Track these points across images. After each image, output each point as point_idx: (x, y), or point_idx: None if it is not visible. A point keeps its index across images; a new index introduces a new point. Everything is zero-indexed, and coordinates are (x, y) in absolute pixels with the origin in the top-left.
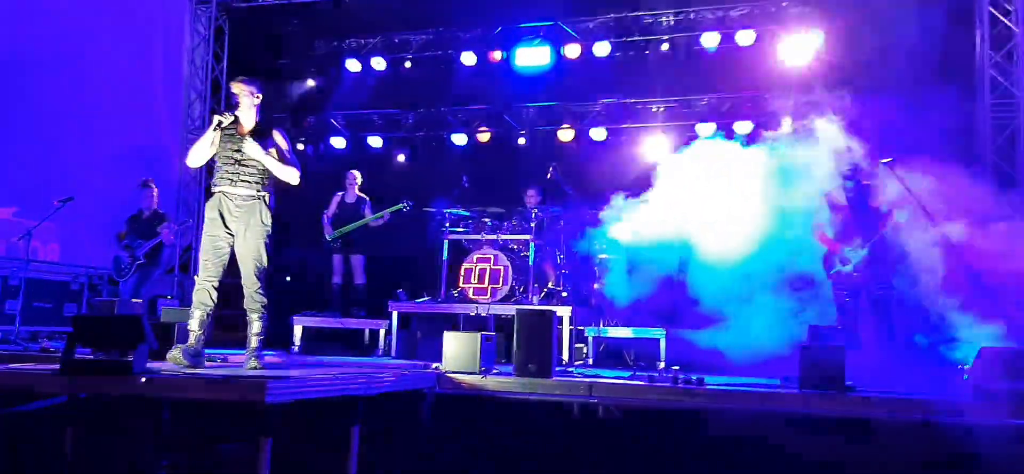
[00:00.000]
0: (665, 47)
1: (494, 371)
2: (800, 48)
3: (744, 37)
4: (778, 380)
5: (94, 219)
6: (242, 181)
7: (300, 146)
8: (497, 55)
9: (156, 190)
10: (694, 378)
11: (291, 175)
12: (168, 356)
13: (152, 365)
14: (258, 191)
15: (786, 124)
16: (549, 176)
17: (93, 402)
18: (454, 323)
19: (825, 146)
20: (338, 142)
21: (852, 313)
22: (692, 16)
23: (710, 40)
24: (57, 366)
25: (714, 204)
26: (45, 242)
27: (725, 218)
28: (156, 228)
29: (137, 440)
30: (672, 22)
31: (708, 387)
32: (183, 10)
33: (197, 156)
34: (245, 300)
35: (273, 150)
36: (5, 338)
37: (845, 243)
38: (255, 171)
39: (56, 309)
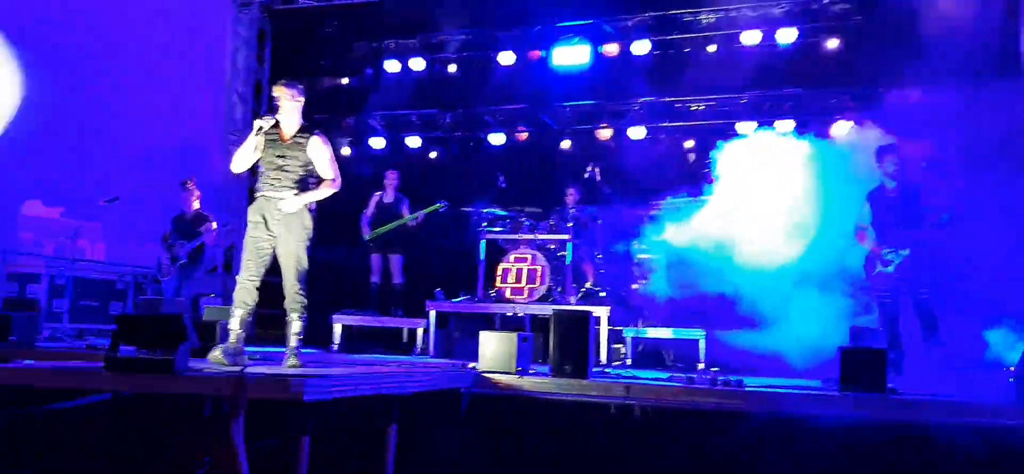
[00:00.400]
0: (711, 48)
1: (530, 371)
2: (842, 44)
3: (785, 35)
4: (819, 382)
5: (139, 219)
6: (284, 186)
7: (343, 151)
8: (535, 54)
9: (198, 192)
10: (733, 380)
11: (329, 192)
12: (209, 356)
13: (194, 363)
14: (299, 195)
15: (831, 123)
16: (587, 175)
17: (137, 399)
18: (491, 323)
19: (868, 144)
20: (377, 142)
21: (893, 315)
22: (732, 14)
23: (751, 37)
24: (102, 364)
25: (761, 200)
26: (92, 241)
27: (769, 215)
28: (198, 229)
29: (179, 437)
30: (712, 20)
31: (747, 389)
32: (226, 14)
33: (240, 162)
34: (286, 300)
35: (316, 155)
36: (53, 336)
37: (886, 244)
38: (297, 177)
39: (102, 307)
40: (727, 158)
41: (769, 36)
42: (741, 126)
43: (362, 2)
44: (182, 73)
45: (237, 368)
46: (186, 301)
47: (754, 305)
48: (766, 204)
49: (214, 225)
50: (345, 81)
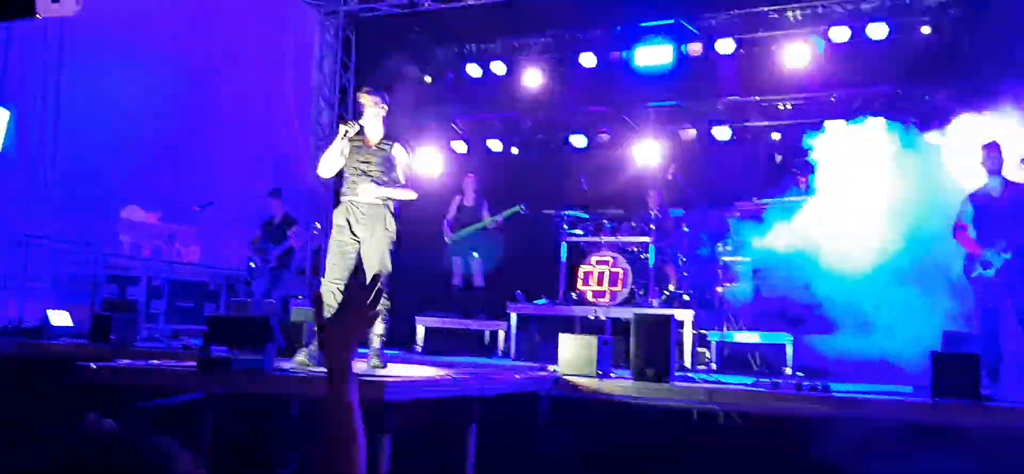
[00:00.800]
0: (793, 44)
1: (611, 375)
2: (937, 38)
3: (876, 30)
4: (910, 388)
5: (231, 223)
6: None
7: (425, 155)
8: (617, 55)
9: (279, 198)
10: (820, 385)
11: (408, 196)
12: (294, 360)
13: (281, 363)
14: (383, 199)
15: (926, 120)
16: (670, 177)
17: (228, 398)
18: (572, 326)
19: (967, 141)
20: (459, 146)
21: (993, 320)
22: (820, 10)
23: (840, 34)
24: (195, 363)
25: (853, 198)
26: (186, 245)
27: (861, 214)
28: (286, 232)
29: (268, 436)
30: (799, 17)
31: (834, 394)
32: (313, 21)
33: (327, 167)
34: None
35: (398, 162)
36: (150, 336)
37: (988, 246)
38: (381, 180)
39: (197, 308)
40: (820, 151)
41: (859, 32)
42: (830, 124)
43: (445, 8)
44: (271, 80)
45: (320, 369)
46: (276, 303)
47: (844, 308)
48: (858, 202)
49: (301, 229)
50: (428, 85)
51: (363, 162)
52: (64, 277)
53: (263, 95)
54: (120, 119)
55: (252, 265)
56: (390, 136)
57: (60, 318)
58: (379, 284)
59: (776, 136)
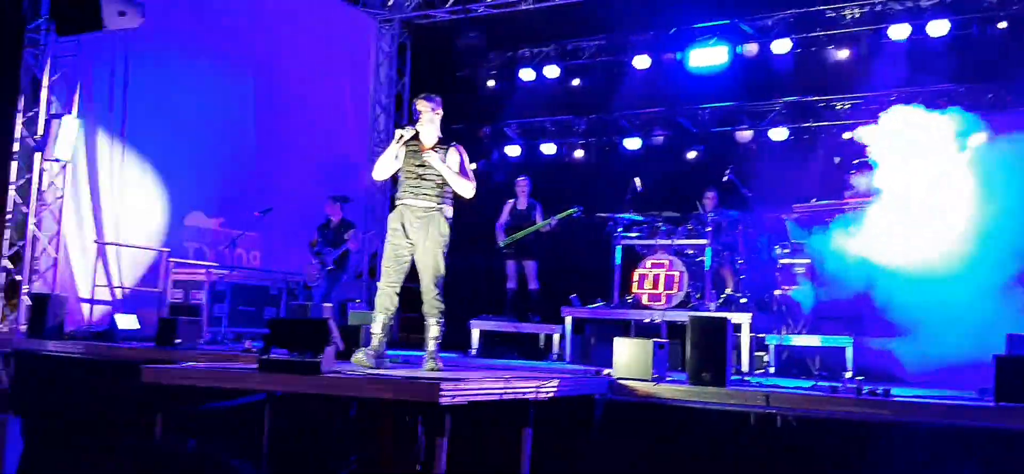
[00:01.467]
0: (851, 43)
1: (667, 378)
2: (1001, 34)
3: (937, 27)
4: (973, 392)
5: (291, 227)
6: (423, 194)
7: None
8: (671, 57)
9: (341, 203)
10: (880, 390)
11: (466, 188)
12: (353, 358)
13: (339, 365)
14: (437, 203)
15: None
16: (726, 178)
17: (287, 399)
18: (627, 329)
19: None
20: (512, 150)
21: None
22: (878, 8)
23: (899, 32)
24: (256, 365)
25: (915, 196)
26: (248, 250)
27: (925, 212)
28: (343, 236)
29: (327, 436)
30: (857, 15)
31: (895, 399)
32: (369, 30)
33: (381, 169)
34: (424, 305)
35: (452, 164)
36: (214, 339)
37: None
38: (435, 185)
39: (258, 312)
40: (881, 138)
41: (919, 29)
42: (866, 134)
43: (498, 13)
44: (329, 88)
45: (377, 371)
46: (334, 305)
47: (905, 310)
48: (920, 198)
49: (358, 232)
50: (483, 89)
51: (418, 166)
52: (131, 282)
53: (321, 102)
54: (183, 127)
55: (311, 269)
56: (445, 140)
57: (127, 322)
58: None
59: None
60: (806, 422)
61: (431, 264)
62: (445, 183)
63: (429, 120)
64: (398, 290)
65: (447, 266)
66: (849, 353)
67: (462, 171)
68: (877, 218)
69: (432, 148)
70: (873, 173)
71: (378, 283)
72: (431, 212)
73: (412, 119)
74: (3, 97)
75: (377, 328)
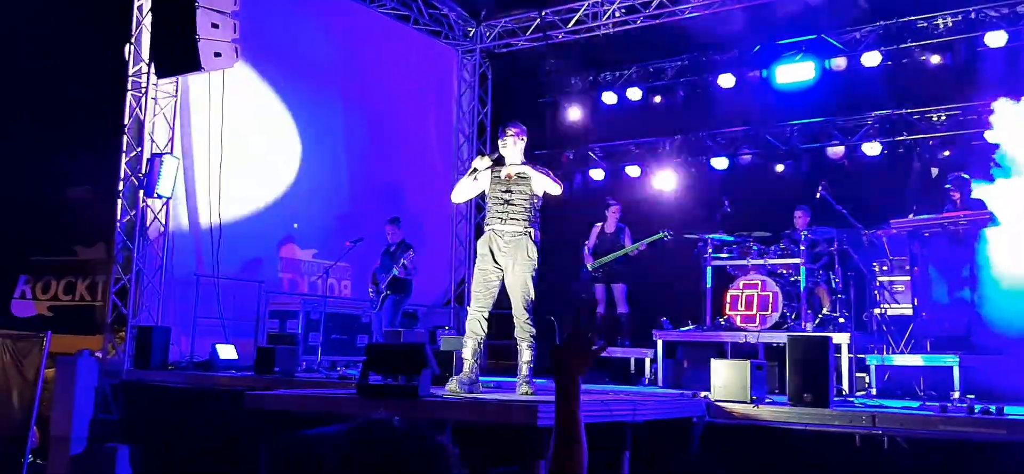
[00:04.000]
0: (936, 58)
1: (766, 400)
2: None
3: None
4: None
5: (379, 256)
6: (511, 219)
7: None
8: (756, 74)
9: (396, 226)
10: (993, 408)
11: (554, 186)
12: (446, 387)
13: (435, 390)
14: (525, 227)
15: None
16: (818, 195)
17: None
18: (721, 351)
19: None
20: (596, 174)
21: None
22: (973, 15)
23: (996, 39)
24: (353, 391)
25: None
26: (339, 279)
27: None
28: (398, 259)
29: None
30: (950, 24)
31: (1009, 417)
32: (451, 60)
33: (459, 193)
34: (516, 330)
35: (535, 181)
36: (309, 367)
37: None
38: (523, 209)
39: (350, 340)
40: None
41: (1016, 36)
42: (991, 135)
43: (578, 39)
44: (413, 119)
45: (473, 396)
46: (401, 331)
47: (1015, 326)
48: None
49: (410, 254)
50: (565, 114)
51: (505, 191)
52: (230, 313)
53: (407, 133)
54: (276, 161)
55: (372, 295)
56: (527, 163)
57: (227, 351)
58: (591, 334)
59: (945, 152)
60: (915, 443)
61: (521, 288)
62: (532, 207)
63: (512, 145)
64: (487, 315)
65: (536, 290)
66: (956, 372)
67: (544, 173)
68: (982, 231)
69: (516, 173)
70: (974, 185)
71: (467, 308)
72: (519, 236)
73: (495, 147)
74: (109, 139)
75: (468, 354)
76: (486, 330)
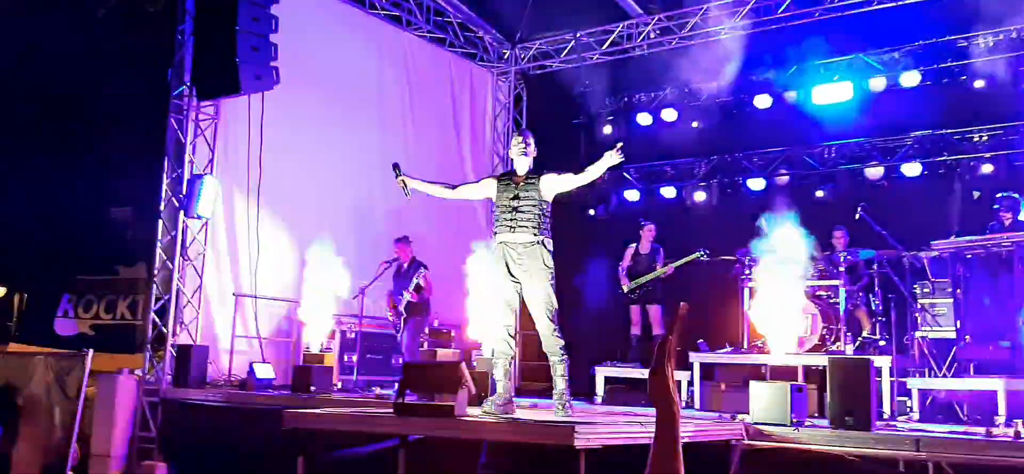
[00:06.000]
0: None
1: (806, 424)
2: None
3: None
4: None
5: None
6: (520, 227)
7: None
8: (793, 95)
9: (406, 247)
10: None
11: (573, 180)
12: (482, 409)
13: (470, 410)
14: (536, 235)
15: None
16: (858, 216)
17: (417, 447)
18: (759, 373)
19: None
20: (631, 195)
21: None
22: (1014, 35)
23: None
24: (390, 410)
25: None
26: (375, 299)
27: None
28: (412, 277)
29: None
30: (991, 44)
31: None
32: (486, 81)
33: (462, 191)
34: (544, 344)
35: (547, 185)
36: (344, 387)
37: None
38: (532, 215)
39: (385, 360)
40: None
41: None
42: None
43: (612, 59)
44: (448, 139)
45: (509, 416)
46: (415, 348)
47: None
48: None
49: (426, 272)
50: (600, 135)
51: (513, 199)
52: (267, 332)
53: (442, 153)
54: (313, 182)
55: (390, 318)
56: (537, 170)
57: (264, 370)
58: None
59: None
60: (960, 468)
61: (541, 300)
62: (542, 214)
63: (519, 153)
64: (512, 332)
65: (560, 300)
66: (1001, 396)
67: (562, 175)
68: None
69: (525, 179)
70: (1019, 206)
71: (493, 329)
72: (531, 246)
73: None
74: (151, 161)
75: (499, 374)
76: (514, 347)
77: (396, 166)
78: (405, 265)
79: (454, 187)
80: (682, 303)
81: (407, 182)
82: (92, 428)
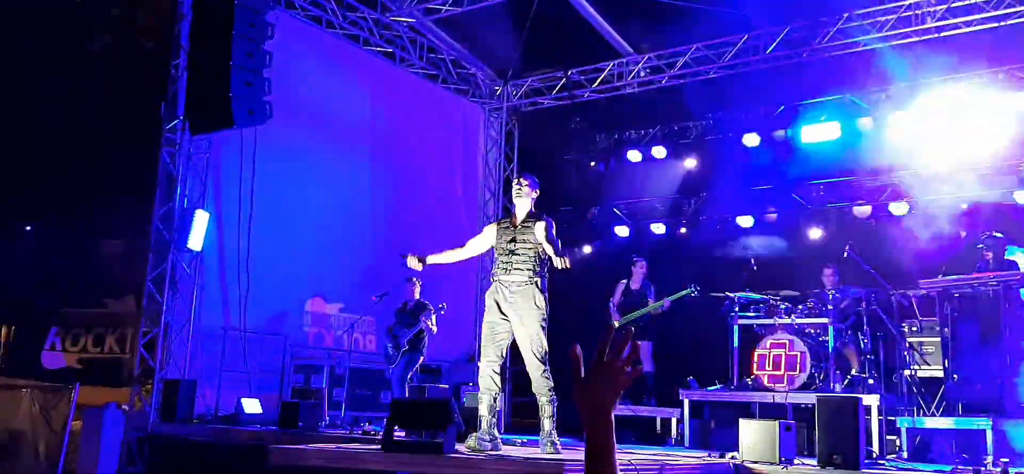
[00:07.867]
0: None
1: (796, 462)
2: None
3: None
4: None
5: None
6: (515, 269)
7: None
8: (781, 133)
9: (419, 283)
10: None
11: (556, 259)
12: (466, 444)
13: (458, 447)
14: (530, 277)
15: None
16: (846, 255)
17: None
18: (748, 411)
19: None
20: (621, 231)
21: None
22: (1002, 75)
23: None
24: (378, 446)
25: None
26: (364, 334)
27: None
28: (418, 317)
29: None
30: (986, 81)
31: None
32: (478, 118)
33: (470, 247)
34: (533, 384)
35: (537, 237)
36: (332, 423)
37: None
38: (527, 258)
39: (374, 395)
40: None
41: None
42: (1020, 195)
43: (603, 98)
44: (440, 174)
45: (497, 453)
46: (410, 386)
47: None
48: None
49: (432, 313)
50: (590, 172)
51: (510, 241)
52: (255, 367)
53: (434, 188)
54: (304, 216)
55: (389, 351)
56: (534, 215)
57: (252, 406)
58: (632, 343)
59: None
60: None
61: (530, 340)
62: (538, 257)
63: (518, 196)
64: (498, 368)
65: (551, 342)
66: (989, 436)
67: (548, 237)
68: (1015, 292)
69: (523, 222)
70: (1004, 246)
71: (479, 364)
72: (524, 286)
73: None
74: (142, 194)
75: (484, 410)
76: (499, 384)
77: (404, 255)
78: (411, 305)
79: (463, 246)
80: (610, 325)
81: (422, 260)
82: (77, 462)
